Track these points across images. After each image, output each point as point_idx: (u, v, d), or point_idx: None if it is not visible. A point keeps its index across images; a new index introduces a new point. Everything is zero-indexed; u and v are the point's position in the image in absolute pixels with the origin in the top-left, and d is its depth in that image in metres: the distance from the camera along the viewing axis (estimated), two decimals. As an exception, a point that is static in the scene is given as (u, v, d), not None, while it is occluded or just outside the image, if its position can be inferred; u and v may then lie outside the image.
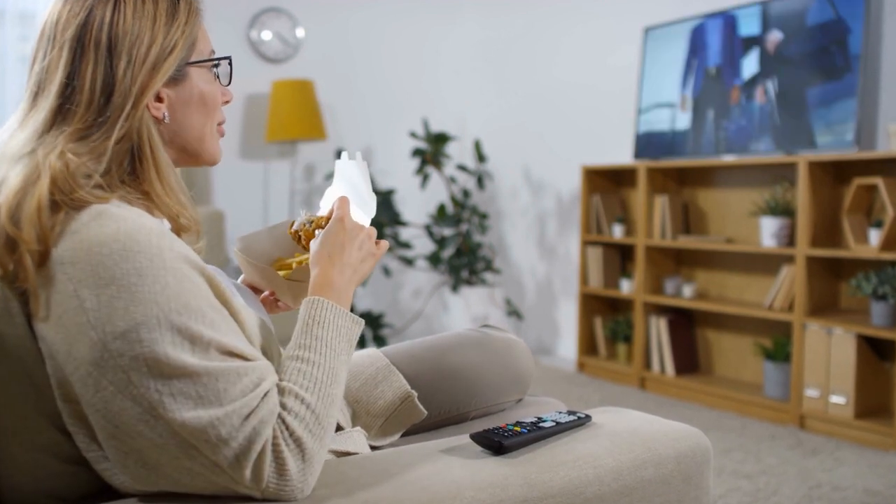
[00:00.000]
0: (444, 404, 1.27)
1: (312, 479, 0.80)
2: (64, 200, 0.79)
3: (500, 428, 0.97)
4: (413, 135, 4.08)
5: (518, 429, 0.97)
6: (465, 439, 0.98)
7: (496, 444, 0.93)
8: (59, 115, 0.85)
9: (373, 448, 1.17)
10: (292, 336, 0.90)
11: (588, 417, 1.06)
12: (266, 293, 1.19)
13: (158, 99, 0.90)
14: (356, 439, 1.08)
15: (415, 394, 1.21)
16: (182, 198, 0.90)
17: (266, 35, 4.23)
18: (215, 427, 0.75)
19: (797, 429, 2.94)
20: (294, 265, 1.16)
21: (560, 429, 1.01)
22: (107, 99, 0.85)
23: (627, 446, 0.99)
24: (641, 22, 3.75)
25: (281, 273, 1.14)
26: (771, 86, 3.15)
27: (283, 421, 0.80)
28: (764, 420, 3.06)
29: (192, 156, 0.96)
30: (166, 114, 0.91)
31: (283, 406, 0.81)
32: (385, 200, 3.99)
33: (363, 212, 1.09)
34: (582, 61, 4.13)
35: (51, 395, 0.80)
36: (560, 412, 1.06)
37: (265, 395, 0.79)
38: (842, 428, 2.82)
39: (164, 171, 0.88)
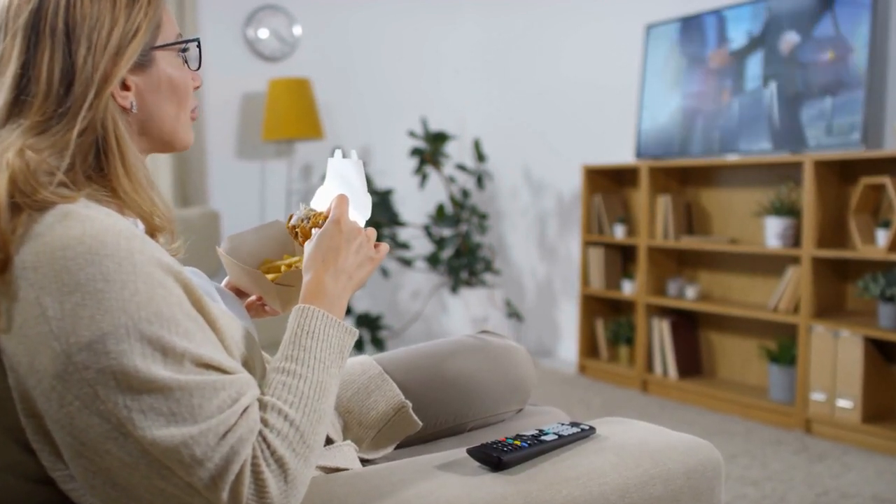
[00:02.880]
0: (440, 415, 1.21)
1: (296, 501, 0.75)
2: (25, 202, 0.73)
3: (500, 442, 0.92)
4: (412, 134, 4.03)
5: (518, 443, 0.92)
6: (461, 454, 0.93)
7: (495, 459, 0.89)
8: (15, 107, 0.79)
9: (364, 462, 1.12)
10: (280, 347, 0.84)
11: (592, 429, 1.00)
12: (253, 297, 1.14)
13: (125, 87, 0.84)
14: (346, 453, 1.02)
15: (409, 404, 1.16)
16: (153, 195, 0.84)
17: (263, 33, 4.18)
18: (189, 446, 0.69)
19: (803, 433, 2.88)
20: (283, 268, 1.11)
21: (562, 442, 0.96)
22: (66, 89, 0.79)
23: (634, 461, 0.93)
24: (643, 20, 3.70)
25: (269, 276, 1.08)
26: (774, 84, 3.10)
27: (264, 439, 0.74)
28: (769, 424, 3.00)
29: (164, 144, 0.90)
30: (134, 102, 0.85)
31: (264, 423, 0.75)
32: (383, 200, 3.94)
33: (359, 213, 1.04)
34: (583, 60, 4.08)
35: (13, 410, 0.75)
36: (563, 424, 1.01)
37: (244, 410, 0.74)
38: (849, 432, 2.76)
39: (132, 165, 0.82)
